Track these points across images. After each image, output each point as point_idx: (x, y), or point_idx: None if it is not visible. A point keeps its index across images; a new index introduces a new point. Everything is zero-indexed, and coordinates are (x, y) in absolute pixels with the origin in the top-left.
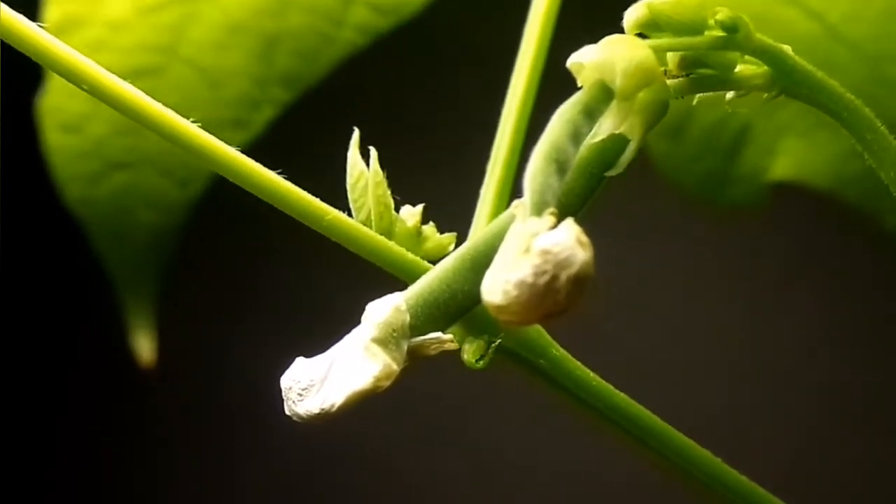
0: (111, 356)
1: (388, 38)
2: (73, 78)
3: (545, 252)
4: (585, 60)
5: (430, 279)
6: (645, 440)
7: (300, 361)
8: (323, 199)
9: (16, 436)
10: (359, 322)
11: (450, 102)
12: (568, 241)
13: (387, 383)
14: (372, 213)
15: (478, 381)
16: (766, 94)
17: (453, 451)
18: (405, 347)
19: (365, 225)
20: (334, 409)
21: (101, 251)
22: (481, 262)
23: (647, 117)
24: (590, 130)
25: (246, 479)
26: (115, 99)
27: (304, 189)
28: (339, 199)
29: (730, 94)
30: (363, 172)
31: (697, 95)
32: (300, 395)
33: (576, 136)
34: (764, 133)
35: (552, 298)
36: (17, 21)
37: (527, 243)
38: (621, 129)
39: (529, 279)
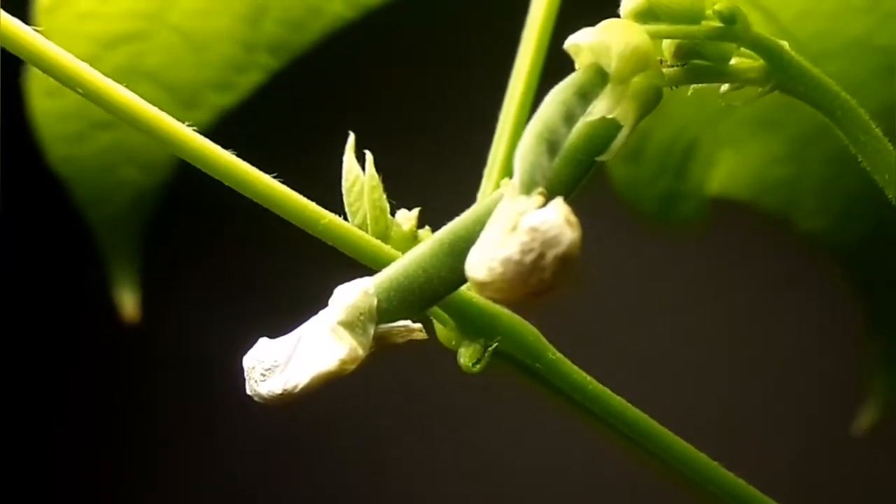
0: (103, 327)
1: (384, 39)
2: (45, 68)
3: (533, 230)
4: (583, 42)
5: (406, 263)
6: (642, 443)
7: (264, 342)
8: (318, 203)
9: (12, 409)
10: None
11: (448, 104)
12: (556, 220)
13: (352, 367)
14: (368, 217)
15: (477, 381)
16: (759, 89)
17: (453, 451)
18: (372, 332)
19: (361, 229)
20: (297, 389)
21: (85, 209)
22: (460, 247)
23: (640, 103)
24: (583, 112)
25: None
26: (89, 90)
27: (300, 192)
28: (334, 202)
29: (724, 87)
30: (359, 177)
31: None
32: (263, 375)
33: (569, 117)
34: (706, 146)
35: (538, 277)
36: None
37: (514, 221)
38: (614, 114)
39: (516, 256)
